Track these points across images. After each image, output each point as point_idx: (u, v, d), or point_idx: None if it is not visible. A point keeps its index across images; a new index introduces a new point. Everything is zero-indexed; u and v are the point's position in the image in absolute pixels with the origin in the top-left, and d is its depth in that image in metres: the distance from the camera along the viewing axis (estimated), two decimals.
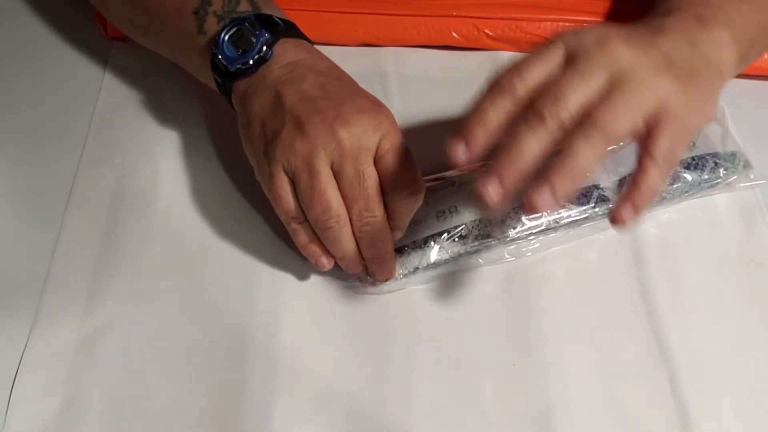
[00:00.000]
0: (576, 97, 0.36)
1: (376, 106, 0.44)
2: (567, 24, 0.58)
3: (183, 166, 0.53)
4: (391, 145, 0.43)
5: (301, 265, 0.48)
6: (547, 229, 0.49)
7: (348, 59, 0.51)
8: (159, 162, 0.53)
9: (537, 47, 0.39)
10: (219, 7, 0.47)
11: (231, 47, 0.45)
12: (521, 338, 0.46)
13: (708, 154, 0.50)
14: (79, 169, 0.52)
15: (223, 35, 0.46)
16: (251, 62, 0.45)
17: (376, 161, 0.43)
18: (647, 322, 0.47)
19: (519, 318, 0.47)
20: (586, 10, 0.59)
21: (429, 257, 0.48)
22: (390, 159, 0.43)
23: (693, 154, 0.50)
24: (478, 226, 0.48)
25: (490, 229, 0.48)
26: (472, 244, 0.48)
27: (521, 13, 0.58)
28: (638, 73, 0.37)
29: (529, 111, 0.36)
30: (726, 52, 0.43)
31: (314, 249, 0.45)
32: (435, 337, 0.46)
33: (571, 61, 0.38)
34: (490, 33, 0.58)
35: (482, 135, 0.37)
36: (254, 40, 0.45)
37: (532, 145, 0.36)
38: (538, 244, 0.49)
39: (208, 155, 0.53)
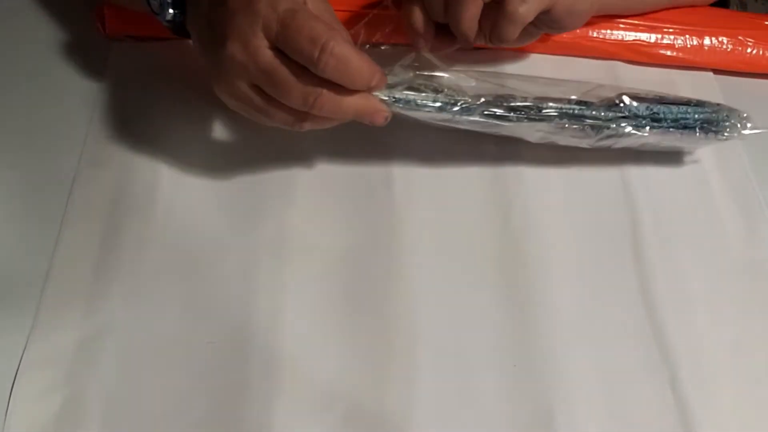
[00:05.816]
0: None
1: None
2: None
3: (183, 166, 0.53)
4: None
5: (301, 265, 0.48)
6: (544, 103, 0.48)
7: None
8: (159, 162, 0.53)
9: None
10: None
11: None
12: (522, 338, 0.46)
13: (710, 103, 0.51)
14: (79, 169, 0.52)
15: None
16: (172, 11, 0.47)
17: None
18: (648, 322, 0.47)
19: (519, 318, 0.47)
20: None
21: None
22: None
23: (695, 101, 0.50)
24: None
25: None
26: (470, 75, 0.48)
27: None
28: None
29: None
30: None
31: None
32: (435, 337, 0.46)
33: None
34: None
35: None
36: None
37: None
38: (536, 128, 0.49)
39: (208, 155, 0.53)
